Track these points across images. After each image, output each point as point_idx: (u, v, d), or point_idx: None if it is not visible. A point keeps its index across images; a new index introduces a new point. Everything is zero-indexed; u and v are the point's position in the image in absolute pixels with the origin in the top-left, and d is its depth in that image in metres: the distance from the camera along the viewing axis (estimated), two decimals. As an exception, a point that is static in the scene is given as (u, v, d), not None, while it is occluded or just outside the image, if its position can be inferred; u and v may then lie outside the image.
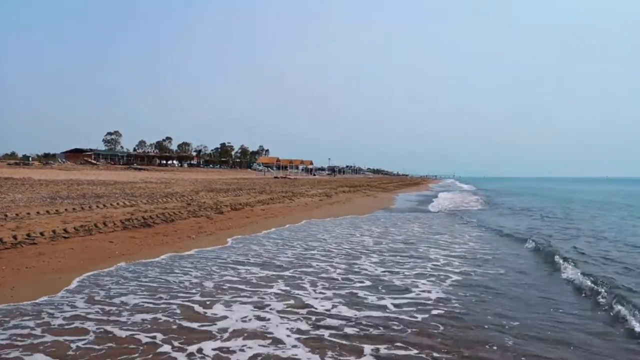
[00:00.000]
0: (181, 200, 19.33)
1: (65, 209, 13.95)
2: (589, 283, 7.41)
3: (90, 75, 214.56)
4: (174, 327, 5.45)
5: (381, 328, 5.54)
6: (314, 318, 5.86)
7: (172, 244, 10.60)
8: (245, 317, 5.84)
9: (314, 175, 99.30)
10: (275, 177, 64.10)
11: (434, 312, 6.18)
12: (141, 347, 4.83)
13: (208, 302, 6.40)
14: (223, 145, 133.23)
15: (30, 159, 65.59)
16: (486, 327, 5.62)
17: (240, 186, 33.52)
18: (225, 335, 5.23)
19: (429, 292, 7.15)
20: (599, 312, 6.35)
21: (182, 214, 14.85)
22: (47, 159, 70.46)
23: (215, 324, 5.56)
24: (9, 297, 6.33)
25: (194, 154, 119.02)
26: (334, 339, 5.17)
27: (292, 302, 6.52)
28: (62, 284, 7.03)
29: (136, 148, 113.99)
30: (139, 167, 67.90)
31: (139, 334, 5.18)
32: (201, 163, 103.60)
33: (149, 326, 5.44)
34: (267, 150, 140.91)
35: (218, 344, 4.99)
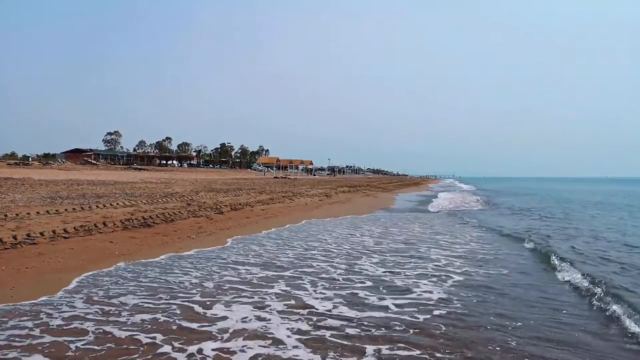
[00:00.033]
0: (181, 200, 19.30)
1: (65, 209, 13.93)
2: (587, 283, 7.40)
3: (90, 75, 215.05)
4: (174, 327, 5.42)
5: (383, 329, 5.51)
6: (314, 318, 5.83)
7: (172, 244, 10.57)
8: (246, 317, 5.80)
9: (314, 175, 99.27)
10: (275, 177, 64.07)
11: (436, 312, 6.15)
12: (141, 348, 4.80)
13: (208, 303, 6.36)
14: (223, 145, 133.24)
15: (30, 159, 65.60)
16: (488, 327, 5.59)
17: (240, 186, 33.49)
18: (226, 335, 5.20)
19: (431, 292, 7.12)
20: (595, 312, 6.33)
21: (182, 214, 14.82)
22: (47, 159, 70.44)
23: (216, 325, 5.53)
24: (9, 297, 6.30)
25: (194, 154, 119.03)
26: (336, 340, 5.13)
27: (292, 302, 6.49)
28: (62, 284, 7.00)
29: (136, 148, 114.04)
30: (138, 167, 67.88)
31: (138, 335, 5.14)
32: (201, 163, 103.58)
33: (148, 326, 5.41)
34: (267, 150, 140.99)
35: (218, 344, 4.96)
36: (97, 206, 15.13)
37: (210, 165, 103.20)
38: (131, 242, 10.33)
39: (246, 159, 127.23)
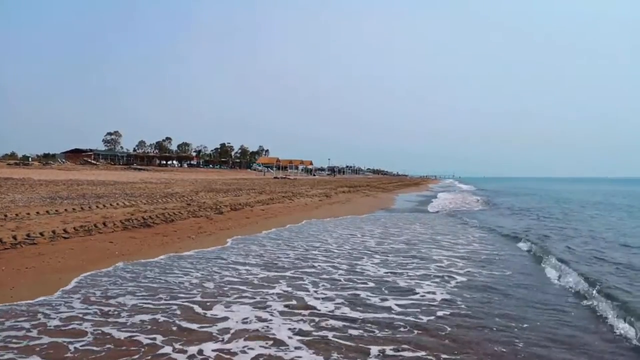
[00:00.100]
0: (181, 200, 19.25)
1: (65, 209, 13.88)
2: (584, 284, 7.35)
3: (90, 75, 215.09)
4: (174, 328, 5.36)
5: (386, 330, 5.44)
6: (317, 319, 5.76)
7: (171, 244, 10.53)
8: (247, 318, 5.75)
9: (314, 175, 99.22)
10: (275, 178, 64.04)
11: (440, 313, 6.08)
12: (141, 349, 4.73)
13: (208, 303, 6.31)
14: (223, 145, 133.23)
15: (30, 159, 65.57)
16: (494, 328, 5.53)
17: (240, 186, 33.45)
18: (227, 336, 5.14)
19: (434, 293, 7.05)
20: (588, 312, 6.30)
21: (181, 214, 14.78)
22: (46, 159, 70.40)
23: (216, 325, 5.47)
24: (9, 297, 6.24)
25: (194, 154, 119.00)
26: (339, 340, 5.07)
27: (294, 303, 6.43)
28: (62, 284, 6.95)
29: (136, 148, 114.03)
30: (138, 167, 67.83)
31: (138, 335, 5.08)
32: (201, 163, 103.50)
33: (148, 327, 5.35)
34: (267, 151, 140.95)
35: (219, 345, 4.90)
36: (97, 206, 15.08)
37: (210, 166, 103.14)
38: (131, 242, 10.28)
39: (246, 159, 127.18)
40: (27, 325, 5.30)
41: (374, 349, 4.85)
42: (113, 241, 10.20)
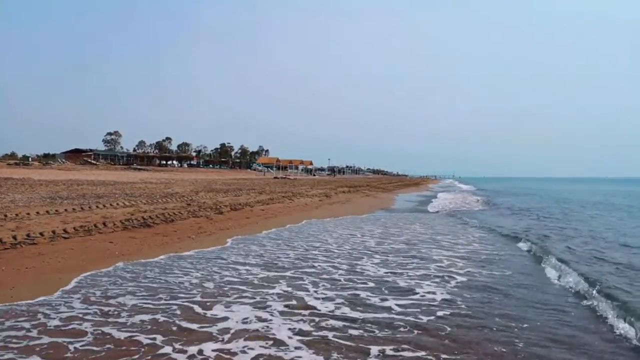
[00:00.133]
0: (181, 200, 19.25)
1: (65, 209, 13.88)
2: (585, 284, 7.35)
3: (90, 75, 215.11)
4: (174, 328, 5.36)
5: (386, 330, 5.44)
6: (317, 319, 5.76)
7: (171, 244, 10.53)
8: (247, 318, 5.75)
9: (314, 175, 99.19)
10: (275, 178, 64.02)
11: (440, 313, 6.08)
12: (141, 349, 4.73)
13: (208, 303, 6.30)
14: (223, 145, 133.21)
15: (30, 159, 65.56)
16: (494, 329, 5.52)
17: (240, 186, 33.44)
18: (227, 336, 5.14)
19: (434, 293, 7.05)
20: (589, 312, 6.30)
21: (181, 214, 14.78)
22: (46, 159, 70.39)
23: (216, 325, 5.46)
24: (9, 297, 6.24)
25: (194, 154, 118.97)
26: (339, 340, 5.07)
27: (294, 303, 6.43)
28: (62, 284, 6.94)
29: (136, 148, 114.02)
30: (138, 167, 67.82)
31: (138, 335, 5.08)
32: (201, 163, 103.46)
33: (148, 327, 5.34)
34: (267, 151, 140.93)
35: (219, 345, 4.90)
36: (97, 206, 15.08)
37: (210, 166, 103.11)
38: (131, 243, 10.28)
39: (246, 159, 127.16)
40: (27, 325, 5.30)
41: (374, 349, 4.84)
42: (113, 241, 10.20)
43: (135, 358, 4.54)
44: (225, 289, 7.10)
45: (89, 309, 5.92)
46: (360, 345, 4.96)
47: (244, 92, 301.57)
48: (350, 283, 7.60)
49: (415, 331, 5.41)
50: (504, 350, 4.90)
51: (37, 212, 12.93)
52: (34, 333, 5.09)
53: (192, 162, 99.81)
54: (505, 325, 5.64)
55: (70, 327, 5.31)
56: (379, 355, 4.74)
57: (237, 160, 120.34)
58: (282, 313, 5.97)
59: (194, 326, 5.43)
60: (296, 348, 4.86)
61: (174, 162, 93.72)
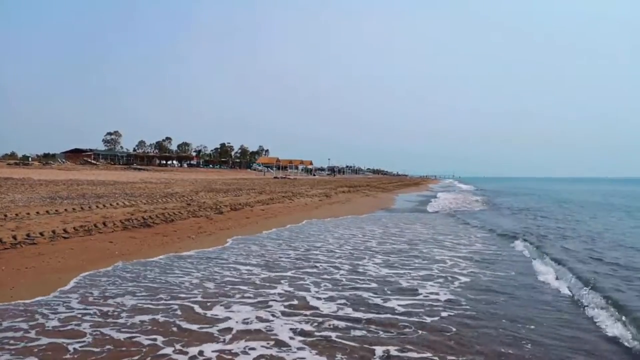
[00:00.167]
0: (181, 200, 19.21)
1: (65, 209, 13.83)
2: (585, 284, 7.29)
3: (90, 75, 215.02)
4: (175, 329, 5.30)
5: (390, 330, 5.38)
6: (320, 319, 5.70)
7: (171, 244, 10.49)
8: (248, 318, 5.69)
9: (314, 175, 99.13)
10: (275, 177, 63.98)
11: (444, 314, 6.01)
12: (141, 350, 4.67)
13: (209, 304, 6.24)
14: (223, 145, 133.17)
15: (30, 159, 65.52)
16: (500, 330, 5.46)
17: (240, 186, 33.40)
18: (228, 337, 5.09)
19: (437, 294, 6.98)
20: (594, 314, 6.19)
21: (181, 214, 14.73)
22: (46, 159, 70.33)
23: (217, 326, 5.41)
24: (9, 297, 6.20)
25: (194, 154, 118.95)
26: (342, 341, 5.01)
27: (295, 303, 6.36)
28: (62, 284, 6.89)
29: (136, 148, 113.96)
30: (138, 167, 67.78)
31: (138, 336, 5.02)
32: (201, 163, 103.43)
33: (148, 328, 5.28)
34: (267, 151, 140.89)
35: (220, 346, 4.84)
36: (97, 206, 15.03)
37: (210, 166, 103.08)
38: (131, 242, 10.24)
39: (246, 159, 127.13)
40: (25, 325, 5.23)
41: (379, 349, 4.78)
42: (113, 241, 10.15)
43: (136, 359, 4.49)
44: (226, 289, 7.04)
45: (88, 310, 5.86)
46: (365, 345, 4.90)
47: (244, 92, 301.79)
48: (352, 283, 7.55)
49: (420, 332, 5.35)
50: (511, 351, 4.84)
51: (37, 212, 12.88)
52: (32, 334, 5.03)
53: (192, 162, 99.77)
54: (511, 327, 5.57)
55: (70, 327, 5.25)
56: (383, 355, 4.68)
57: (237, 160, 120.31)
58: (283, 313, 5.91)
59: (195, 327, 5.37)
60: (299, 349, 4.80)
61: (174, 162, 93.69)
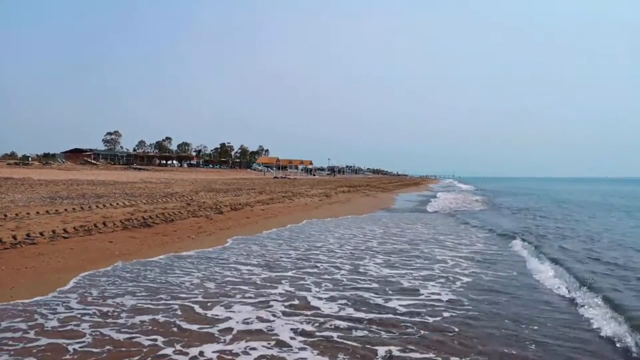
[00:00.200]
0: (181, 200, 19.18)
1: (65, 209, 13.81)
2: (581, 286, 7.26)
3: (90, 75, 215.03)
4: (175, 329, 5.27)
5: (392, 330, 5.34)
6: (321, 320, 5.66)
7: (171, 244, 10.46)
8: (249, 318, 5.67)
9: (314, 175, 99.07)
10: (275, 177, 63.94)
11: (446, 314, 5.97)
12: (141, 350, 4.63)
13: (209, 304, 6.21)
14: (223, 145, 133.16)
15: (29, 159, 65.50)
16: (503, 330, 5.42)
17: (240, 186, 33.38)
18: (228, 337, 5.06)
19: (439, 294, 6.95)
20: (597, 315, 6.14)
21: (181, 214, 14.71)
22: (46, 159, 70.29)
23: (218, 326, 5.38)
24: (9, 297, 6.17)
25: (194, 154, 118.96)
26: (344, 341, 4.98)
27: (296, 303, 6.33)
28: (62, 284, 6.87)
29: (136, 148, 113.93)
30: (138, 167, 67.75)
31: (138, 337, 4.98)
32: (201, 163, 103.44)
33: (148, 328, 5.25)
34: (266, 150, 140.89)
35: (221, 346, 4.81)
36: (97, 206, 15.01)
37: (210, 165, 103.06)
38: (131, 242, 10.21)
39: (246, 159, 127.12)
40: (24, 326, 5.20)
41: (381, 350, 4.75)
42: (113, 241, 10.13)
43: (136, 359, 4.47)
44: (227, 289, 7.01)
45: (88, 310, 5.83)
46: (367, 346, 4.86)
47: (244, 92, 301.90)
48: (354, 283, 7.52)
49: (422, 332, 5.32)
50: (514, 352, 4.81)
51: (37, 212, 12.86)
52: (32, 334, 5.00)
53: (192, 162, 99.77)
54: (514, 327, 5.54)
55: (69, 328, 5.22)
56: (385, 356, 4.64)
57: (237, 160, 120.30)
58: (284, 313, 5.88)
59: (195, 327, 5.34)
60: (300, 349, 4.77)
61: (174, 161, 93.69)
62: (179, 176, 50.30)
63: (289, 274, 8.12)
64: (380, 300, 6.53)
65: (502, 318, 5.89)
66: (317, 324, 5.51)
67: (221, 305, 6.16)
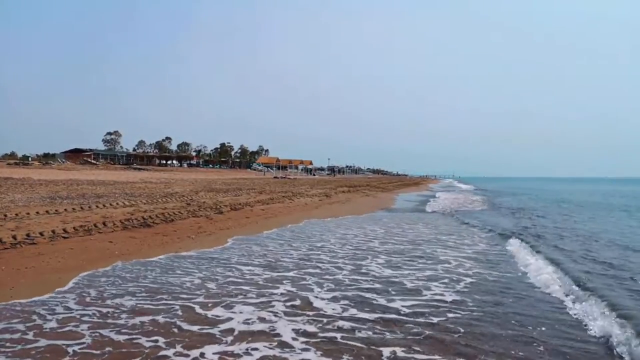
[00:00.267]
0: (181, 200, 19.13)
1: (65, 209, 13.76)
2: (579, 286, 7.21)
3: (90, 75, 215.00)
4: (175, 330, 5.20)
5: (397, 331, 5.28)
6: (324, 320, 5.60)
7: (171, 244, 10.41)
8: (250, 319, 5.60)
9: (314, 175, 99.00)
10: (275, 177, 63.88)
11: (451, 315, 5.90)
12: (142, 351, 4.57)
13: (210, 304, 6.16)
14: (222, 145, 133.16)
15: (29, 158, 65.47)
16: (510, 331, 5.35)
17: (240, 186, 33.32)
18: (230, 338, 5.00)
19: (442, 295, 6.88)
20: (585, 313, 6.11)
21: (181, 214, 14.65)
22: (46, 159, 70.24)
23: (219, 327, 5.33)
24: (9, 297, 6.12)
25: (194, 154, 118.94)
26: (348, 342, 4.92)
27: (299, 303, 6.27)
28: (62, 284, 6.81)
29: (136, 148, 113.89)
30: (138, 167, 67.71)
31: (139, 338, 4.91)
32: (201, 163, 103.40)
33: (149, 329, 5.19)
34: (266, 150, 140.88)
35: (222, 347, 4.75)
36: (97, 206, 14.96)
37: (210, 165, 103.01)
38: (131, 242, 10.16)
39: (246, 158, 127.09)
40: (23, 327, 5.14)
41: (386, 351, 4.69)
42: (113, 241, 10.08)
43: (136, 361, 4.42)
44: (228, 289, 6.95)
45: (88, 310, 5.77)
46: (371, 347, 4.80)
47: (244, 92, 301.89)
48: (356, 284, 7.45)
49: (427, 332, 5.26)
50: (521, 353, 4.74)
51: (37, 212, 12.81)
52: (30, 335, 4.93)
53: (192, 162, 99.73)
54: (520, 328, 5.48)
55: (69, 329, 5.15)
56: (390, 356, 4.58)
57: (237, 160, 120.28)
58: (287, 314, 5.82)
59: (195, 328, 5.28)
60: (303, 350, 4.71)
61: (174, 161, 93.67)
62: (179, 176, 50.24)
63: (291, 274, 8.07)
64: (383, 301, 6.47)
65: (509, 319, 5.82)
66: (319, 325, 5.45)
67: (222, 306, 6.10)
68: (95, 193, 20.61)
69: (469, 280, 7.85)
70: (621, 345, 4.94)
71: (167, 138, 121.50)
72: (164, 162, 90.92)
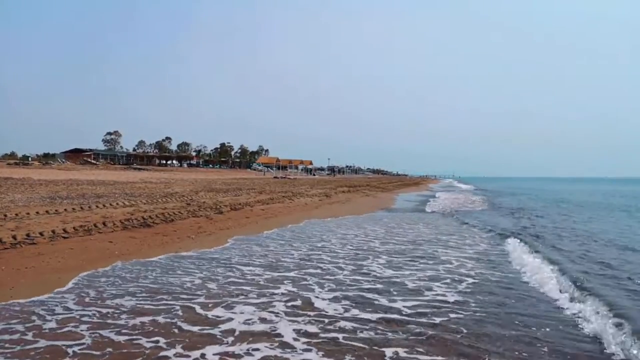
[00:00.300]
0: (181, 200, 19.10)
1: (65, 209, 13.72)
2: (578, 286, 7.18)
3: (90, 75, 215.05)
4: (175, 330, 5.17)
5: (399, 332, 5.25)
6: (325, 320, 5.57)
7: (171, 244, 10.37)
8: (251, 319, 5.57)
9: (314, 175, 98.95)
10: (275, 177, 63.85)
11: (453, 315, 5.87)
12: (142, 352, 4.54)
13: (210, 305, 6.13)
14: (222, 145, 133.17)
15: (29, 158, 65.45)
16: (513, 332, 5.31)
17: (240, 186, 33.28)
18: (230, 339, 4.97)
19: (444, 295, 6.84)
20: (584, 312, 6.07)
21: (181, 214, 14.62)
22: (46, 159, 70.22)
23: (219, 327, 5.29)
24: (9, 297, 6.08)
25: (194, 154, 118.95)
26: (349, 342, 4.88)
27: (300, 304, 6.24)
28: (62, 284, 6.78)
29: (136, 148, 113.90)
30: (138, 167, 67.67)
31: (139, 338, 4.88)
32: (201, 163, 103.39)
33: (149, 329, 5.15)
34: (266, 150, 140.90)
35: (223, 348, 4.71)
36: (97, 206, 14.92)
37: (210, 165, 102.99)
38: (131, 242, 10.13)
39: (246, 158, 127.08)
40: (22, 327, 5.11)
41: (388, 351, 4.66)
42: (113, 241, 10.04)
43: (136, 362, 4.38)
44: (229, 289, 6.91)
45: (88, 310, 5.73)
46: (373, 347, 4.77)
47: (244, 92, 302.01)
48: (357, 284, 7.41)
49: (430, 332, 5.22)
50: (525, 354, 4.71)
51: (37, 212, 12.77)
52: (29, 336, 4.90)
53: (192, 162, 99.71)
54: (524, 329, 5.44)
55: (69, 329, 5.12)
56: (393, 357, 4.55)
57: (237, 160, 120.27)
58: (288, 314, 5.78)
59: (196, 328, 5.24)
60: (304, 350, 4.68)
61: (174, 161, 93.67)
62: (179, 176, 50.21)
63: (291, 274, 8.03)
64: (385, 301, 6.44)
65: (512, 319, 5.78)
66: (321, 325, 5.42)
67: (223, 306, 6.07)
68: (95, 193, 20.58)
69: (470, 280, 7.81)
70: (617, 345, 4.92)
71: (167, 138, 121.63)
72: (164, 162, 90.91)
